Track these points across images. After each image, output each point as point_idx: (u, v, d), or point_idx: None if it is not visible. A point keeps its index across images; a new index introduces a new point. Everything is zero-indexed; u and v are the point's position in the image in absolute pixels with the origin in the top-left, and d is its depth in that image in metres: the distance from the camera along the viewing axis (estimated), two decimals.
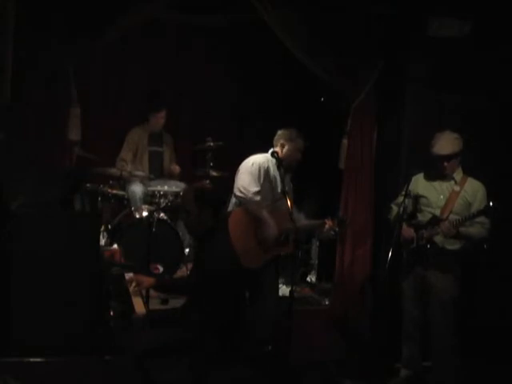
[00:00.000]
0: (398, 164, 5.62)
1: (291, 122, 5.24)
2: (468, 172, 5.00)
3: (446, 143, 4.87)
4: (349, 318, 5.69)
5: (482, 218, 4.80)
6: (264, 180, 5.10)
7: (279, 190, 5.11)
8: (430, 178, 5.03)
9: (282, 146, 5.18)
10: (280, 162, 5.05)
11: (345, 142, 5.79)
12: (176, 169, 7.05)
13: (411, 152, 5.53)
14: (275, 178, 5.15)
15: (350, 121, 5.73)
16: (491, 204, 4.71)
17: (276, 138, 5.24)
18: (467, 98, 5.51)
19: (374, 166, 5.71)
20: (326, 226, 5.22)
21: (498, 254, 5.37)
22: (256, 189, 5.03)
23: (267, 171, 5.12)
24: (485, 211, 4.73)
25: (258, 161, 5.14)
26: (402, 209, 4.90)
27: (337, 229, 5.41)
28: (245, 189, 5.00)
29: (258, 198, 5.01)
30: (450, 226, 4.78)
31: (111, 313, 4.55)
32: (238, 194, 5.00)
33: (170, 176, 7.07)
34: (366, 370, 5.22)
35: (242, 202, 5.02)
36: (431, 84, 5.54)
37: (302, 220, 5.28)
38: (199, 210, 4.00)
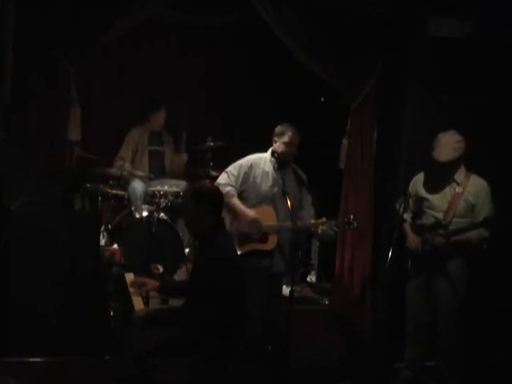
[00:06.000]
0: (398, 164, 5.62)
1: (291, 122, 5.23)
2: (471, 168, 4.98)
3: (444, 148, 4.83)
4: (349, 317, 5.69)
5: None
6: (246, 178, 5.09)
7: (268, 188, 5.08)
8: (431, 179, 5.01)
9: (275, 143, 5.14)
10: (278, 160, 5.07)
11: (345, 141, 5.79)
12: (184, 156, 7.02)
13: (411, 152, 5.53)
14: (265, 177, 5.10)
15: (350, 121, 5.73)
16: (489, 217, 4.72)
17: (273, 136, 5.20)
18: (467, 98, 5.50)
19: (374, 166, 5.71)
20: (320, 228, 5.18)
21: (496, 252, 5.34)
22: (224, 181, 5.04)
23: (251, 168, 5.10)
24: (483, 224, 4.74)
25: (241, 160, 5.16)
26: (401, 209, 4.90)
27: (335, 229, 5.39)
28: (217, 184, 5.00)
29: (226, 189, 4.98)
30: (442, 239, 4.79)
31: (111, 313, 4.55)
32: None
33: (178, 167, 7.04)
34: (366, 370, 5.22)
35: None
36: (431, 84, 5.54)
37: (307, 218, 5.21)
38: (199, 210, 3.99)
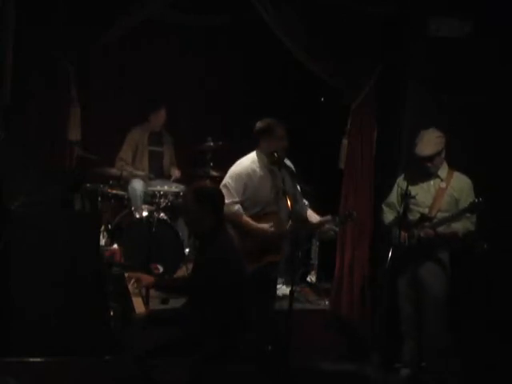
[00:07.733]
0: (398, 164, 5.62)
1: (292, 122, 5.21)
2: (458, 168, 5.01)
3: (427, 144, 4.90)
4: (349, 317, 5.69)
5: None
6: (245, 188, 4.87)
7: (267, 194, 4.91)
8: (415, 177, 5.04)
9: (265, 141, 4.89)
10: (277, 160, 4.87)
11: (345, 141, 5.79)
12: (176, 173, 6.98)
13: (411, 152, 5.52)
14: (262, 183, 4.91)
15: (350, 121, 5.73)
16: (476, 201, 4.74)
17: (257, 135, 4.93)
18: (467, 98, 5.51)
19: (374, 166, 5.71)
20: (326, 226, 5.14)
21: (495, 251, 5.35)
22: (230, 199, 4.76)
23: (249, 177, 4.87)
24: (470, 209, 4.77)
25: (237, 170, 4.92)
26: (401, 210, 4.92)
27: (336, 229, 5.37)
28: None
29: (235, 208, 4.78)
30: (430, 231, 4.83)
31: (111, 313, 4.55)
32: None
33: (170, 178, 7.05)
34: (366, 370, 5.22)
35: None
36: (431, 84, 5.54)
37: (309, 215, 5.11)
38: (200, 210, 3.99)
